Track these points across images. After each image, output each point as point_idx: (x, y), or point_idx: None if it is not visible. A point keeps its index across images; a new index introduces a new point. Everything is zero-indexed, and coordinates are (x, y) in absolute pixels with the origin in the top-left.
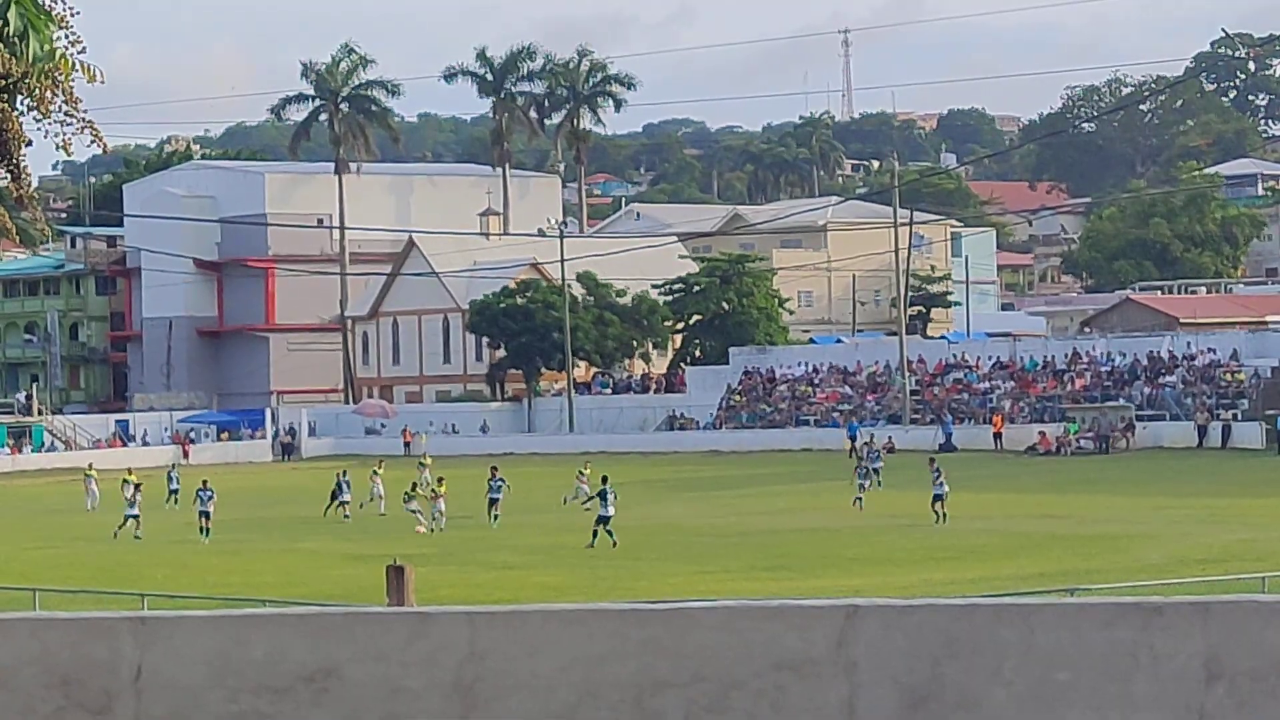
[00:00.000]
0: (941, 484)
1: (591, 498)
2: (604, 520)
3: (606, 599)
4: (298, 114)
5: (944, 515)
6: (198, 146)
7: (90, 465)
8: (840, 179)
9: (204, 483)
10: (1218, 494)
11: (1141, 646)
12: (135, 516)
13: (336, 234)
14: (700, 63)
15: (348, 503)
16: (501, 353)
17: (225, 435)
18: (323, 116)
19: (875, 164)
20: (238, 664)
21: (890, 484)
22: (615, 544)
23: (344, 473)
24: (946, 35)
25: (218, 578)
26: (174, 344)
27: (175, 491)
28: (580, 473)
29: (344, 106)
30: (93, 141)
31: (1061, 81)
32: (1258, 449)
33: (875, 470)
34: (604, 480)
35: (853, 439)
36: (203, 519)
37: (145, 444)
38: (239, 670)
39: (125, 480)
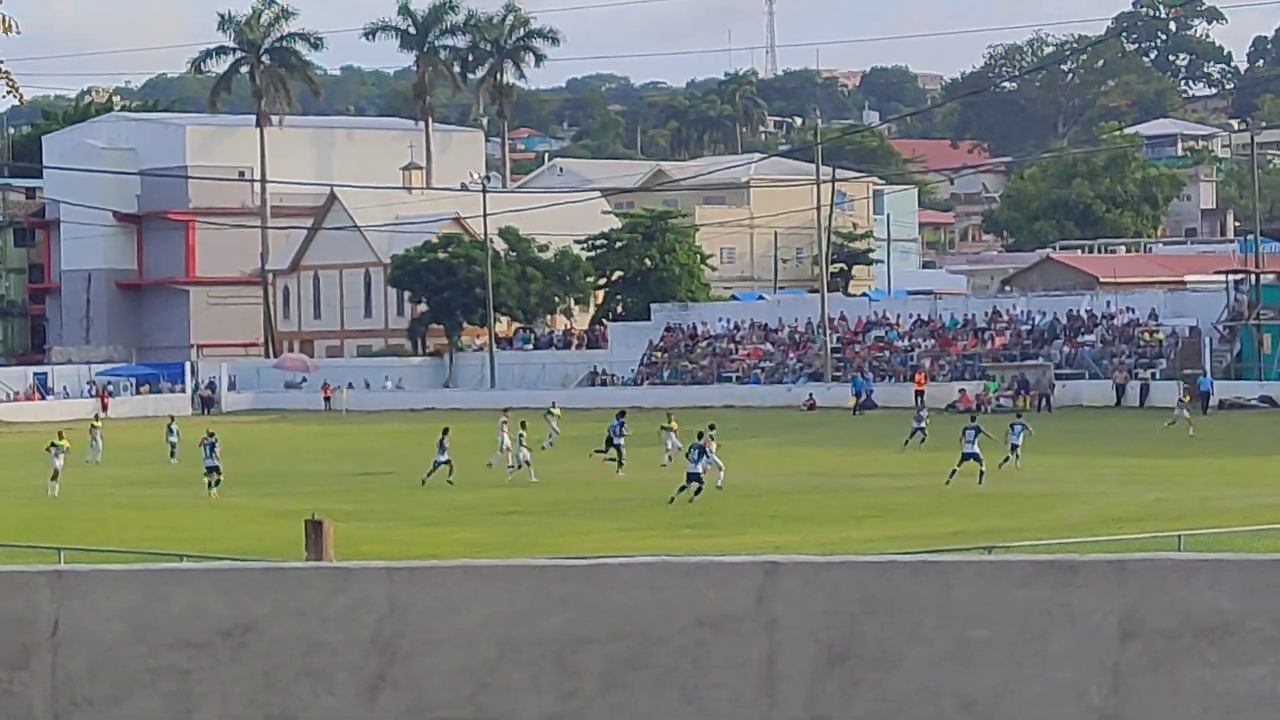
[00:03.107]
0: (972, 444)
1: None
2: (694, 478)
3: (528, 555)
4: (219, 67)
5: (957, 473)
6: (118, 98)
7: (97, 416)
8: (763, 136)
9: (209, 433)
10: (1135, 453)
11: (1058, 604)
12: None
13: (257, 187)
14: (627, 19)
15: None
16: (423, 307)
17: (145, 388)
18: (244, 69)
19: (798, 121)
20: (156, 619)
21: (811, 441)
22: (684, 500)
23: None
24: None
25: (137, 533)
26: (93, 297)
27: (175, 445)
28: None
29: (265, 59)
30: (9, 91)
31: (985, 40)
32: (1174, 408)
33: (921, 430)
34: (698, 437)
35: (858, 395)
36: (212, 473)
37: (65, 397)
38: (157, 625)
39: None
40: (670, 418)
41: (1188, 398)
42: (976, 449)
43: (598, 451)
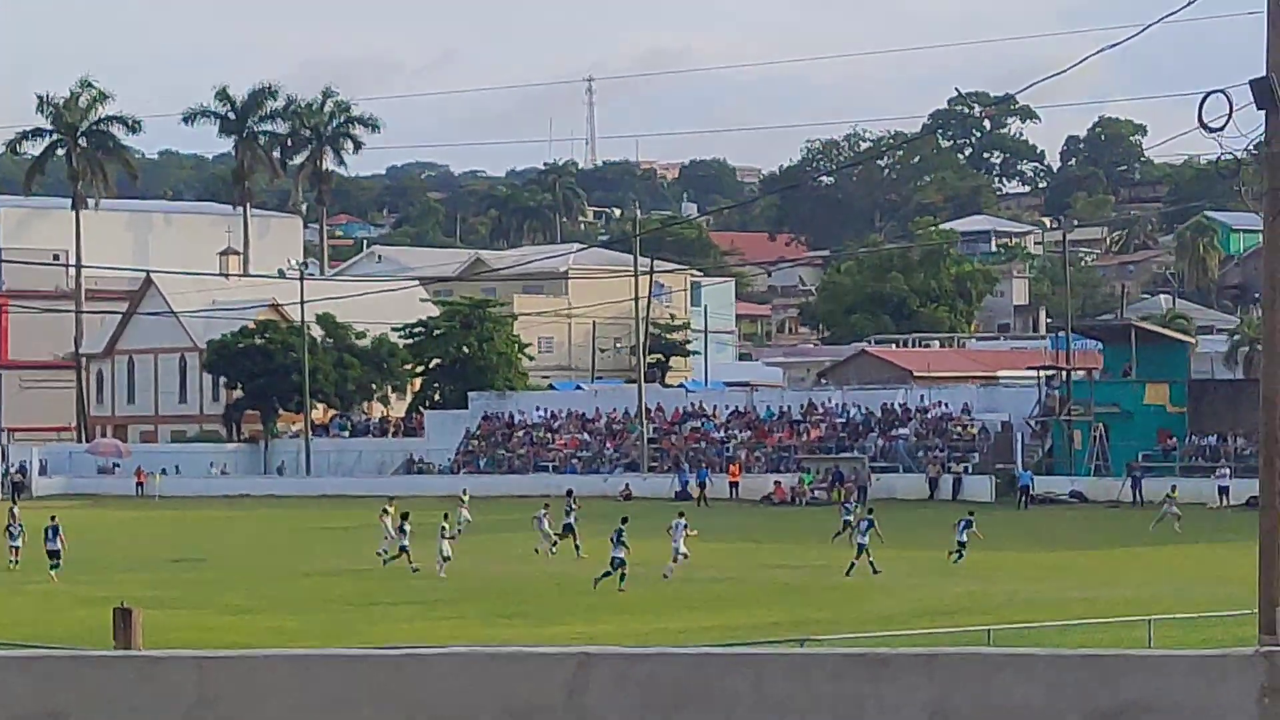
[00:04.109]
0: (864, 535)
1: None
2: (618, 562)
3: (340, 644)
4: (35, 148)
5: (854, 566)
6: None
7: None
8: (582, 226)
9: (51, 517)
10: (948, 546)
11: (869, 697)
12: None
13: (73, 270)
14: (448, 107)
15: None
16: (239, 393)
17: None
18: (60, 151)
19: (617, 212)
20: None
21: (627, 530)
22: (611, 585)
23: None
24: (691, 86)
25: None
26: None
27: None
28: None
29: (82, 141)
30: None
31: (802, 134)
32: (987, 502)
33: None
34: (623, 521)
35: (701, 485)
36: (52, 557)
37: None
38: None
39: None
40: (546, 505)
41: (1175, 492)
42: (867, 540)
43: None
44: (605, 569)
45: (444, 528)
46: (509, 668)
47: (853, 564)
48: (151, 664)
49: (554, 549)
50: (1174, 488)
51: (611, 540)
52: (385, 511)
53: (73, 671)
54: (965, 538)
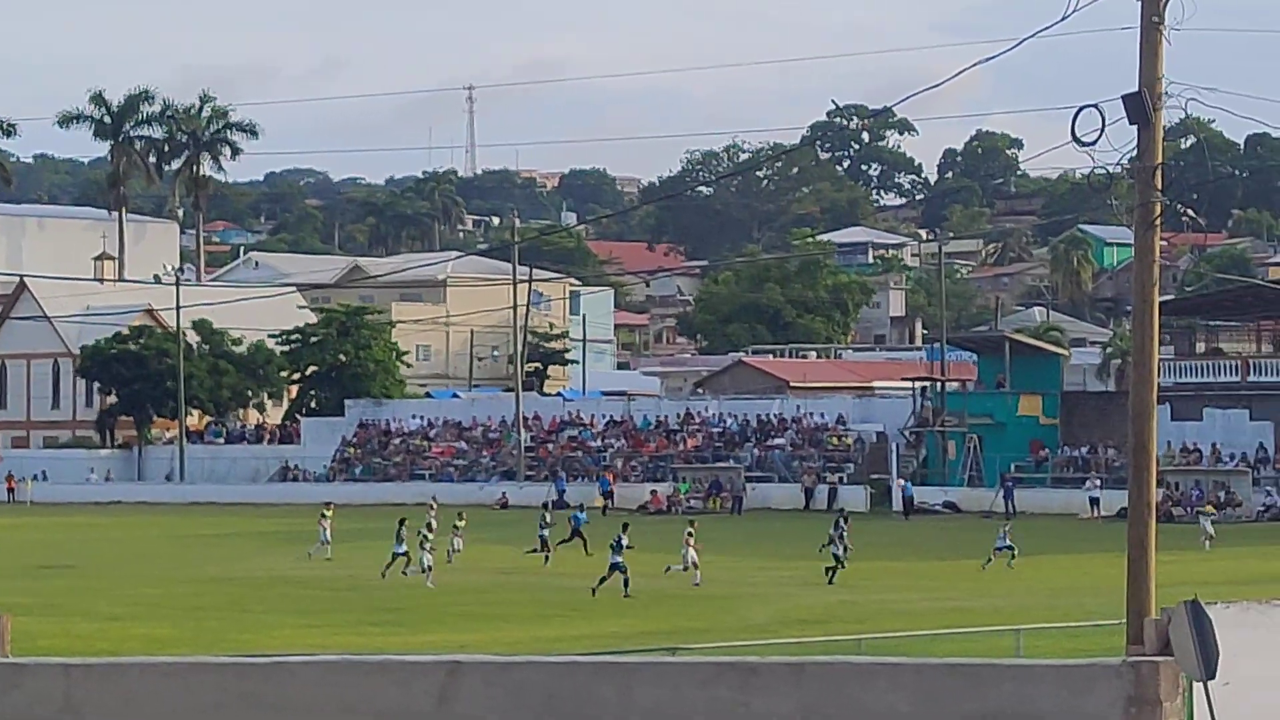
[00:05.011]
0: (840, 542)
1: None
2: (617, 568)
3: (211, 652)
4: None
5: (832, 574)
6: None
7: None
8: (461, 234)
9: None
10: (821, 556)
11: (739, 705)
12: None
13: None
14: (327, 114)
15: None
16: (113, 399)
17: None
18: None
19: (496, 220)
20: None
21: (503, 539)
22: (611, 590)
23: None
24: (571, 96)
25: None
26: None
27: None
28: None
29: None
30: None
31: (682, 145)
32: (862, 512)
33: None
34: (624, 528)
35: (607, 494)
36: None
37: None
38: None
39: None
40: (461, 515)
41: (1210, 508)
42: (839, 549)
43: (530, 552)
44: (602, 575)
45: (425, 537)
46: (379, 675)
47: (831, 570)
48: (18, 671)
49: (545, 557)
50: (1209, 503)
51: (611, 547)
52: (324, 515)
53: None
54: (1010, 542)
